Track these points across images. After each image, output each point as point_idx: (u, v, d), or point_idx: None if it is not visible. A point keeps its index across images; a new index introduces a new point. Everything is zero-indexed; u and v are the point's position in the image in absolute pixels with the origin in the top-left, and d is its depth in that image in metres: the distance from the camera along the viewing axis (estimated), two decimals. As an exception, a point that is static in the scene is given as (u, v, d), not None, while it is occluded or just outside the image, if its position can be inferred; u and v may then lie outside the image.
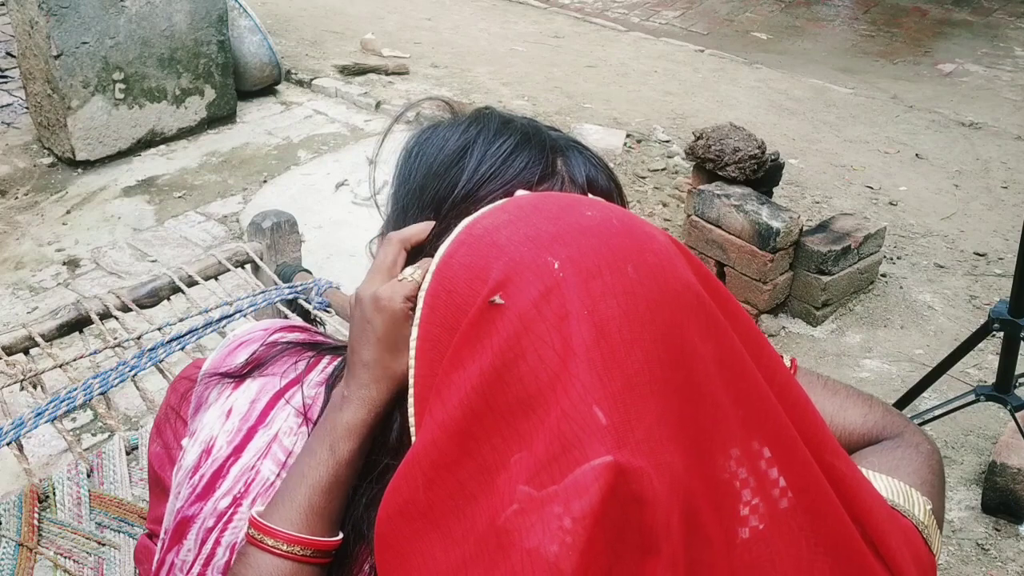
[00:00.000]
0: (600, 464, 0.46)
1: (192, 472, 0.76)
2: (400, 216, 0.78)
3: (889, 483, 0.68)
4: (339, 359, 0.79)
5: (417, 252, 0.73)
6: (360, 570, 0.71)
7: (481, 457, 0.50)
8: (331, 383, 0.77)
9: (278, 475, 0.74)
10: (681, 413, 0.50)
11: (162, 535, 0.77)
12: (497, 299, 0.54)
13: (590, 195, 0.76)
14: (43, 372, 1.65)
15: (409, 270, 0.70)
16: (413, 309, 0.70)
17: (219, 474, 0.75)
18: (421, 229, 0.74)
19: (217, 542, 0.74)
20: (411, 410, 0.62)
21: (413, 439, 0.61)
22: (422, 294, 0.62)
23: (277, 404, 0.77)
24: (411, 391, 0.61)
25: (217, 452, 0.76)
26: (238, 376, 0.79)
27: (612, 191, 0.78)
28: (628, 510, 0.47)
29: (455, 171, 0.75)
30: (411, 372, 0.61)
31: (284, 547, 0.68)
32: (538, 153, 0.75)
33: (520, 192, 0.67)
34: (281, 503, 0.70)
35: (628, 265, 0.53)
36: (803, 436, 0.56)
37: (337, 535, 0.70)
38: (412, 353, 0.61)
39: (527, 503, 0.47)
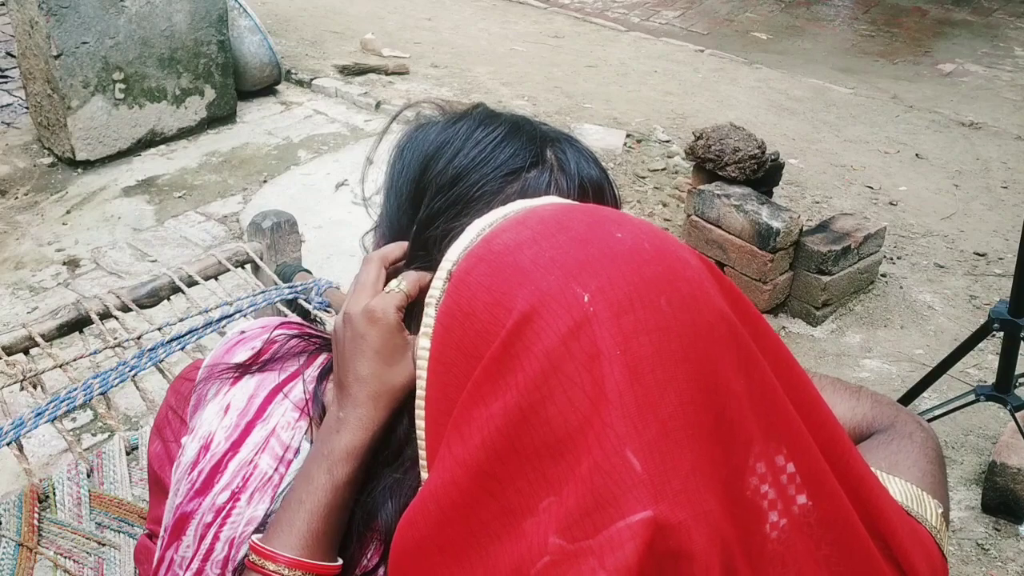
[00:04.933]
0: (637, 520, 0.44)
1: (191, 468, 0.76)
2: (392, 210, 0.79)
3: (902, 487, 0.67)
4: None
5: (397, 269, 0.74)
6: (359, 566, 0.71)
7: (505, 500, 0.48)
8: (320, 376, 0.77)
9: (275, 469, 0.74)
10: (713, 456, 0.48)
11: (162, 533, 0.77)
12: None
13: (583, 185, 0.76)
14: (43, 372, 1.65)
15: (394, 283, 0.71)
16: (405, 320, 0.70)
17: (217, 469, 0.75)
18: (399, 247, 0.75)
19: (216, 537, 0.74)
20: (420, 433, 0.60)
21: (423, 464, 0.59)
22: (432, 310, 0.58)
23: (275, 399, 0.77)
24: (421, 413, 0.59)
25: (215, 447, 0.76)
26: (244, 370, 0.80)
27: (603, 182, 0.78)
28: (665, 565, 0.45)
29: (443, 159, 0.75)
30: (421, 392, 0.59)
31: (286, 571, 0.68)
32: (527, 141, 0.75)
33: (541, 201, 0.62)
34: (281, 528, 0.69)
35: (661, 297, 0.50)
36: (829, 459, 0.54)
37: (337, 560, 0.70)
38: (422, 374, 0.58)
39: (560, 556, 0.45)
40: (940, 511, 0.67)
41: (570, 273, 0.50)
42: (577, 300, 0.49)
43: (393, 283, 0.71)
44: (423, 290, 0.72)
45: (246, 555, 0.70)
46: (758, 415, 0.50)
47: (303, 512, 0.69)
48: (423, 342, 0.58)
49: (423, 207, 0.76)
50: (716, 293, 0.53)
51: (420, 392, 0.59)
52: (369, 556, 0.71)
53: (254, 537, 0.70)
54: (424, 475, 0.59)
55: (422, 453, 0.59)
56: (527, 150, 0.75)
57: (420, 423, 0.59)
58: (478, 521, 0.49)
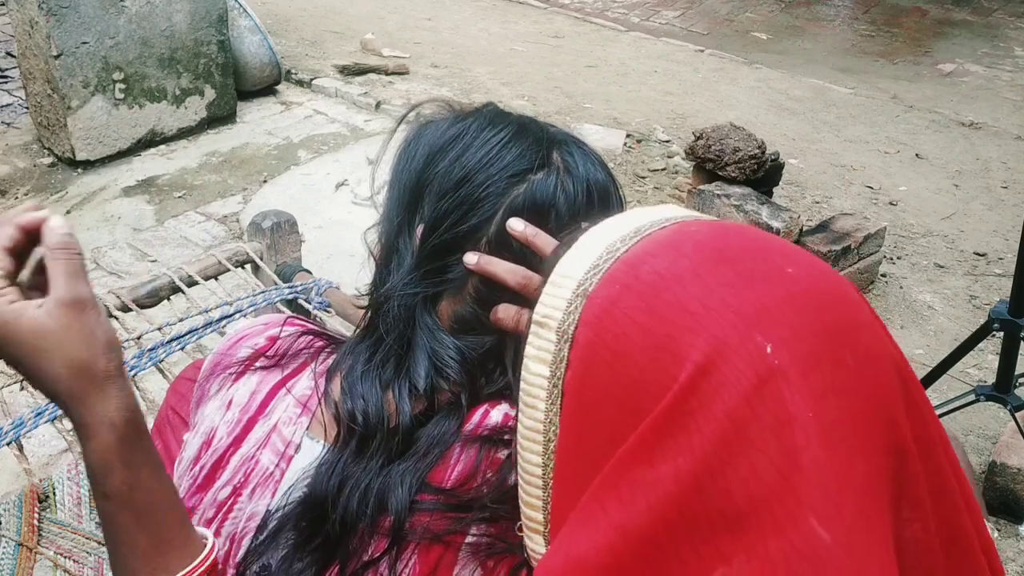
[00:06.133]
0: None
1: (193, 463, 0.76)
2: (392, 204, 0.79)
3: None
4: (337, 352, 0.79)
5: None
6: (359, 560, 0.71)
7: (665, 569, 0.44)
8: (328, 375, 0.77)
9: (276, 465, 0.75)
10: (889, 522, 0.44)
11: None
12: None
13: (589, 188, 0.76)
14: (43, 372, 1.64)
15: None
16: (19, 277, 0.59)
17: (219, 464, 0.76)
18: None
19: (217, 533, 0.74)
20: (526, 466, 0.53)
21: (530, 500, 0.54)
22: (552, 333, 0.51)
23: (277, 394, 0.77)
24: (535, 446, 0.53)
25: (217, 443, 0.76)
26: (248, 366, 0.80)
27: (609, 185, 0.78)
28: None
29: (448, 155, 0.75)
30: (533, 424, 0.52)
31: None
32: (534, 143, 0.75)
33: (667, 212, 0.55)
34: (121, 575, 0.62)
35: (846, 350, 0.45)
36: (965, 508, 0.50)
37: (200, 547, 0.63)
38: (536, 403, 0.52)
39: None
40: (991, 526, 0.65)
41: (748, 319, 0.45)
42: (760, 352, 0.44)
43: None
44: (12, 251, 0.61)
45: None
46: (926, 470, 0.47)
47: (120, 551, 0.61)
48: (538, 367, 0.52)
49: (426, 205, 0.76)
50: (886, 336, 0.49)
51: (531, 423, 0.52)
52: (372, 549, 0.70)
53: None
54: (533, 512, 0.54)
55: (531, 489, 0.54)
56: (533, 152, 0.75)
57: (531, 456, 0.53)
58: None
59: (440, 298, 0.76)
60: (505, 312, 0.73)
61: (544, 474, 0.53)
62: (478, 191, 0.74)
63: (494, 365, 0.76)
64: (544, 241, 0.72)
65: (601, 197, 0.77)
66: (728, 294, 0.46)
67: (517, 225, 0.72)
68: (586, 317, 0.49)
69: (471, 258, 0.73)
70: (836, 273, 0.50)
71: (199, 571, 0.62)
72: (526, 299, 0.72)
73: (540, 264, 0.72)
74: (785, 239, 0.56)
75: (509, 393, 0.75)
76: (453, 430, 0.72)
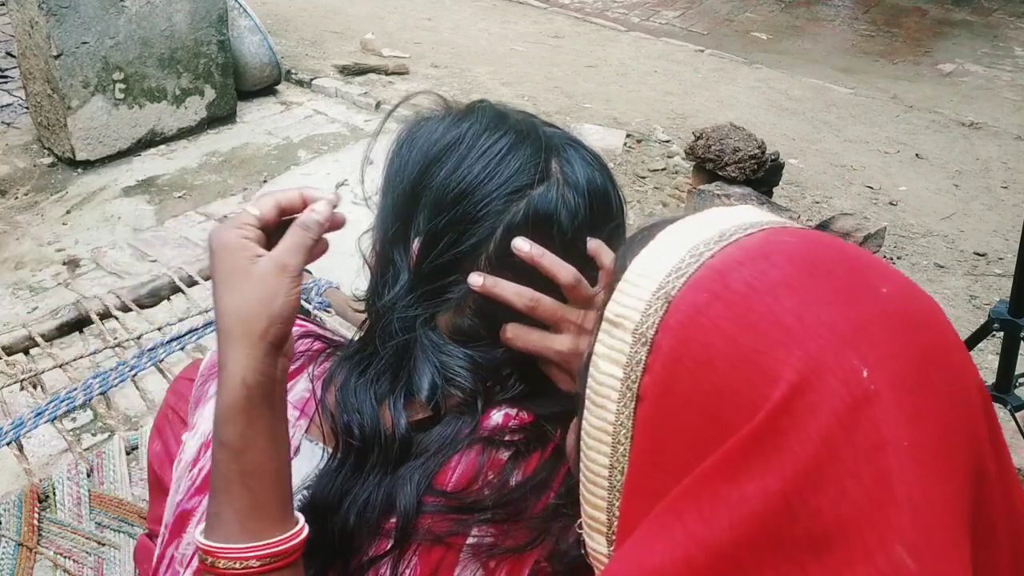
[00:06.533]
0: None
1: (192, 465, 0.76)
2: (391, 214, 0.78)
3: None
4: (333, 359, 0.79)
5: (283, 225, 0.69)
6: (361, 559, 0.70)
7: None
8: (325, 381, 0.77)
9: None
10: (971, 551, 0.44)
11: (162, 530, 0.77)
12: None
13: (590, 195, 0.75)
14: (43, 372, 1.65)
15: (249, 205, 0.69)
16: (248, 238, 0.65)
17: None
18: (294, 198, 0.70)
19: None
20: (592, 466, 0.52)
21: (588, 497, 0.53)
22: (627, 334, 0.50)
23: None
24: (601, 446, 0.52)
25: None
26: None
27: (609, 190, 0.78)
28: None
29: (446, 169, 0.74)
30: (599, 424, 0.51)
31: (236, 566, 0.62)
32: (533, 154, 0.74)
33: (747, 214, 0.54)
34: (213, 521, 0.64)
35: (939, 375, 0.45)
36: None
37: (289, 529, 0.65)
38: (605, 404, 0.51)
39: None
40: None
41: (844, 338, 0.44)
42: (856, 374, 0.43)
43: (249, 207, 0.68)
44: (285, 212, 0.69)
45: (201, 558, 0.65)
46: (1003, 497, 0.47)
47: (218, 495, 0.64)
48: (609, 367, 0.50)
49: (421, 217, 0.75)
50: (970, 359, 0.48)
51: (600, 423, 0.51)
52: (373, 549, 0.70)
53: (197, 533, 0.65)
54: (596, 512, 0.53)
55: (595, 489, 0.53)
56: (532, 164, 0.73)
57: (598, 456, 0.52)
58: None
59: (439, 313, 0.76)
60: (514, 332, 0.73)
61: (611, 476, 0.52)
62: (477, 209, 0.73)
63: (509, 372, 0.75)
64: (551, 261, 0.71)
65: (602, 203, 0.76)
66: (823, 311, 0.45)
67: (523, 246, 0.71)
68: (669, 322, 0.48)
69: (476, 280, 0.72)
70: (926, 294, 0.50)
71: (284, 547, 0.63)
72: (532, 319, 0.73)
73: (539, 281, 0.73)
74: (875, 255, 0.55)
75: (523, 399, 0.75)
76: (467, 432, 0.71)
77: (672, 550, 0.45)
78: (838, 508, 0.42)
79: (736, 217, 0.53)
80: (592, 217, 0.75)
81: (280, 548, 0.63)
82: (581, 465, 0.54)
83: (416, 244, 0.75)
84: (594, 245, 0.75)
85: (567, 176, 0.74)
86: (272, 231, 0.68)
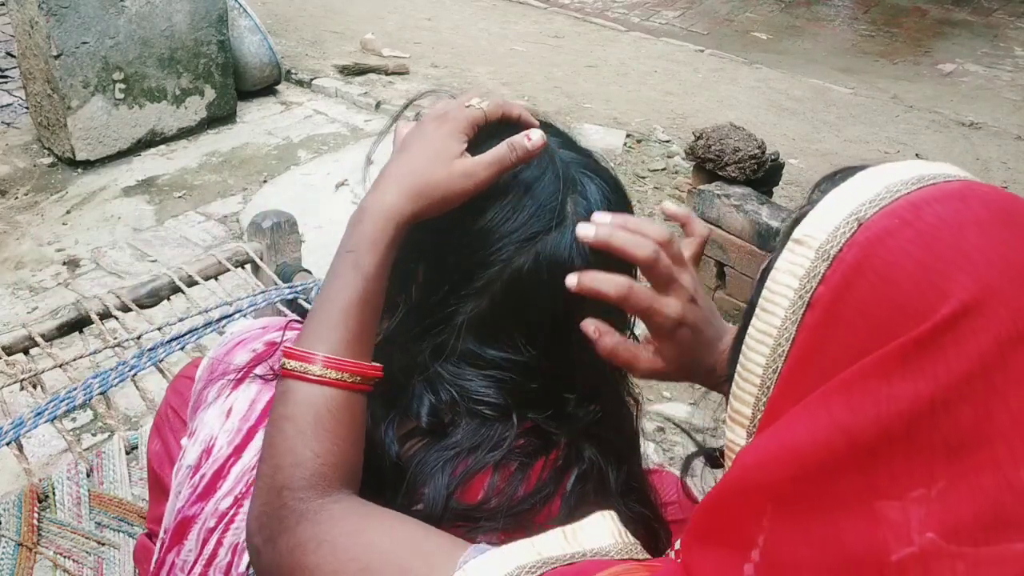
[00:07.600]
0: None
1: (193, 472, 0.76)
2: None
3: None
4: None
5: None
6: (414, 501, 0.70)
7: (875, 477, 0.47)
8: None
9: None
10: None
11: (162, 535, 0.77)
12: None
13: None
14: (43, 372, 1.65)
15: (476, 100, 0.71)
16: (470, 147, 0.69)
17: (220, 474, 0.75)
18: (514, 108, 0.73)
19: (219, 543, 0.73)
20: (755, 367, 0.54)
21: (737, 393, 0.56)
22: (809, 251, 0.52)
23: None
24: (762, 348, 0.54)
25: (218, 452, 0.76)
26: (246, 374, 0.79)
27: (626, 212, 0.76)
28: None
29: (461, 208, 0.71)
30: (766, 328, 0.54)
31: (333, 375, 0.64)
32: (550, 196, 0.72)
33: (952, 171, 0.56)
34: (314, 328, 0.66)
35: None
36: None
37: (375, 366, 0.67)
38: (776, 310, 0.53)
39: (932, 552, 0.44)
40: None
41: (1020, 276, 0.47)
42: (1023, 308, 0.46)
43: (475, 99, 0.71)
44: (505, 116, 0.73)
45: (281, 365, 0.66)
46: None
47: (335, 310, 0.66)
48: (786, 279, 0.53)
49: (427, 246, 0.73)
50: None
51: (765, 327, 0.54)
52: None
53: (286, 342, 0.66)
54: (742, 406, 0.56)
55: (746, 385, 0.55)
56: (548, 209, 0.72)
57: (756, 356, 0.55)
58: (835, 489, 0.47)
59: (447, 341, 0.74)
60: (589, 325, 0.72)
61: (764, 373, 0.55)
62: (488, 257, 0.71)
63: (535, 387, 0.73)
64: (623, 240, 0.70)
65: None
66: (1008, 252, 0.47)
67: (588, 231, 0.70)
68: (857, 239, 0.51)
69: (571, 280, 0.70)
70: None
71: (373, 373, 0.67)
72: (617, 307, 0.72)
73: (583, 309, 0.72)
74: None
75: (597, 429, 0.73)
76: (506, 439, 0.70)
77: (815, 432, 0.47)
78: (980, 423, 0.44)
79: (936, 167, 0.55)
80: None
81: (370, 374, 0.67)
82: (739, 363, 0.56)
83: (420, 272, 0.74)
84: (684, 212, 0.76)
85: (582, 216, 0.72)
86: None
